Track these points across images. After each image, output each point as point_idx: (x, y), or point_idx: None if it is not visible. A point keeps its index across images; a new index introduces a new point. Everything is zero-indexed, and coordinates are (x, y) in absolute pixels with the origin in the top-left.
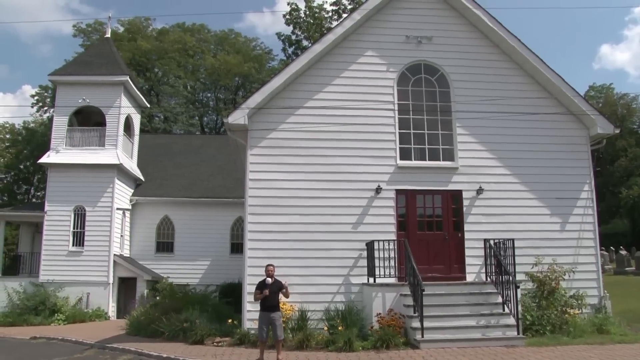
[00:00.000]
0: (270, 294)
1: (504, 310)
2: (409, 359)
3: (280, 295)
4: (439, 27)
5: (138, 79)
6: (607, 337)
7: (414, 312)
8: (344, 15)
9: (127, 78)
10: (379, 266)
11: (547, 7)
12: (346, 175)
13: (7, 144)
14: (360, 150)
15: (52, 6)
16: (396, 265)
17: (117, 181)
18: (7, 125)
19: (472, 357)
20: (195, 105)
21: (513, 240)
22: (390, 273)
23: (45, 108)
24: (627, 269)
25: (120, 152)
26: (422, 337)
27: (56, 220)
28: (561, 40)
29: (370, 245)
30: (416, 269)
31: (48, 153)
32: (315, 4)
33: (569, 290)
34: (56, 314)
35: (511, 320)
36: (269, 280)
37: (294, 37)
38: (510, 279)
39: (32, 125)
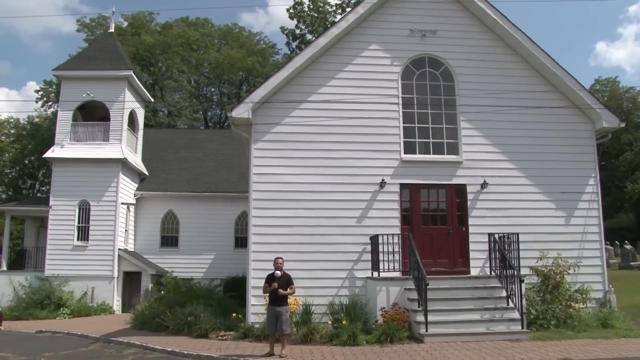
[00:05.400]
0: (278, 287)
1: (508, 304)
2: (413, 353)
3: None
4: (443, 20)
5: (142, 73)
6: (611, 331)
7: (418, 306)
8: (348, 9)
9: (131, 72)
10: (383, 260)
11: (544, 0)
12: (350, 169)
13: (11, 139)
14: (364, 144)
15: (52, 6)
16: (400, 259)
17: (121, 176)
18: (12, 120)
19: (476, 351)
20: (199, 100)
21: (517, 234)
22: (394, 267)
23: (50, 103)
24: (632, 263)
25: (124, 146)
26: (426, 331)
27: (61, 214)
28: (557, 36)
29: (374, 239)
30: (420, 263)
31: (52, 148)
32: None
33: (574, 285)
34: (61, 308)
35: (515, 315)
36: (278, 273)
37: (297, 31)
38: (515, 273)
39: (36, 120)
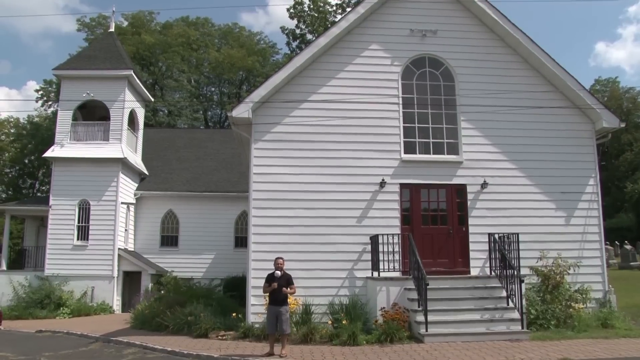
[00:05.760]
0: (278, 287)
1: (508, 304)
2: (413, 353)
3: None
4: (443, 20)
5: (142, 73)
6: (611, 331)
7: (418, 306)
8: (348, 9)
9: (131, 72)
10: (383, 260)
11: (545, 0)
12: (350, 169)
13: (11, 139)
14: (364, 144)
15: (52, 6)
16: (400, 259)
17: (121, 175)
18: (12, 120)
19: (476, 351)
20: (199, 99)
21: (517, 234)
22: (394, 267)
23: (50, 102)
24: (631, 263)
25: (124, 146)
26: (427, 331)
27: (61, 214)
28: (557, 36)
29: (374, 239)
30: (420, 262)
31: (52, 147)
32: None
33: (574, 285)
34: (61, 308)
35: (515, 315)
36: (278, 273)
37: (298, 31)
38: (515, 273)
39: (36, 119)
